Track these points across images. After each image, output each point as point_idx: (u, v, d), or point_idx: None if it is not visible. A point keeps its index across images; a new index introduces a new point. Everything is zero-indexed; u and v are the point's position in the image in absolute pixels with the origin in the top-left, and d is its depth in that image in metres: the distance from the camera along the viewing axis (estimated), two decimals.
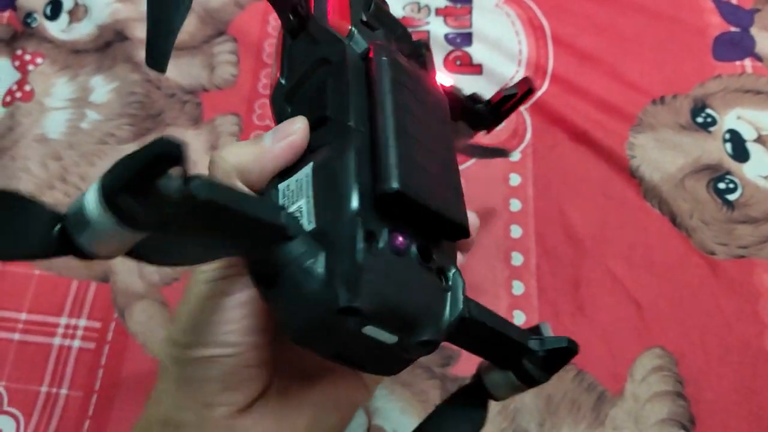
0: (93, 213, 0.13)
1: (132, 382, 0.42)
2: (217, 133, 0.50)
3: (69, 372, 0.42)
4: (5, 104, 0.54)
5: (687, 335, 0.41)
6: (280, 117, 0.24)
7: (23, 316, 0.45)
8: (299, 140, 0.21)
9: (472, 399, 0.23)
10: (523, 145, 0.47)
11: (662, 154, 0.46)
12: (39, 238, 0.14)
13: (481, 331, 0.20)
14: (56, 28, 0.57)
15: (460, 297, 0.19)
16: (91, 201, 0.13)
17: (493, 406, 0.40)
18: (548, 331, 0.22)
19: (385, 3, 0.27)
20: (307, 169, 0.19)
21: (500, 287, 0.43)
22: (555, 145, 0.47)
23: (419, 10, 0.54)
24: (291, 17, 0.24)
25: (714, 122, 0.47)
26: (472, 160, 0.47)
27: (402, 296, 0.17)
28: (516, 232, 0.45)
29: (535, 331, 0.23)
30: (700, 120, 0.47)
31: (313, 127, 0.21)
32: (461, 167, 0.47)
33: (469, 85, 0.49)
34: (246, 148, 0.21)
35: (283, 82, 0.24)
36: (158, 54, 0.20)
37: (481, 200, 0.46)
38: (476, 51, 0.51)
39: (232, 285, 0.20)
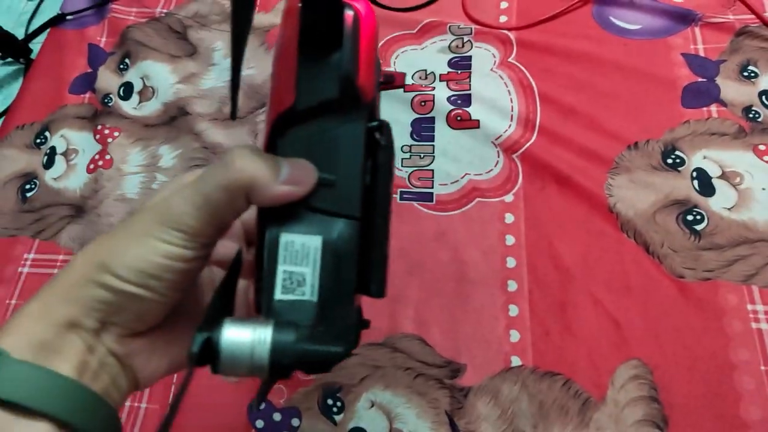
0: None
1: (202, 395, 0.51)
2: None
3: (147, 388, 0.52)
4: (90, 171, 0.66)
5: (660, 348, 0.47)
6: (273, 140, 0.23)
7: None
8: (304, 192, 0.22)
9: None
10: (516, 188, 0.56)
11: (636, 193, 0.53)
12: None
13: None
14: (129, 107, 0.69)
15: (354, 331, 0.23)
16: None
17: (493, 411, 0.47)
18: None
19: None
20: (316, 242, 0.22)
21: (498, 310, 0.51)
22: (543, 188, 0.55)
23: (426, 76, 0.63)
24: (323, 29, 0.22)
25: (683, 162, 0.54)
26: (473, 203, 0.56)
27: None
28: (511, 263, 0.53)
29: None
30: (670, 161, 0.54)
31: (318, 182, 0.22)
32: (462, 209, 0.56)
33: (468, 136, 0.58)
34: (260, 169, 0.21)
35: (297, 107, 0.23)
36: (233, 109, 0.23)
37: (481, 236, 0.54)
38: (474, 110, 0.60)
39: (188, 255, 0.22)
